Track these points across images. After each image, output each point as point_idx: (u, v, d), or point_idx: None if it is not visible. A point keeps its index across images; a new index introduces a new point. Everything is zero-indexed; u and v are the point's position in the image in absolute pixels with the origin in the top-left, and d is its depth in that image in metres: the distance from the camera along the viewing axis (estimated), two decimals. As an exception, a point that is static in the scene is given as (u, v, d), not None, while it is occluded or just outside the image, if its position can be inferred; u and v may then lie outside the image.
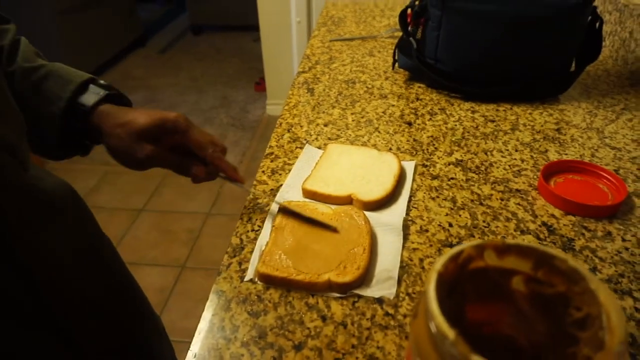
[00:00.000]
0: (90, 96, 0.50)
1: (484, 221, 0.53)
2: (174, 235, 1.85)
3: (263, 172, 0.62)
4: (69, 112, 0.49)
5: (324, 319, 0.42)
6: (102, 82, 0.53)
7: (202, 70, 3.32)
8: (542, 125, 0.72)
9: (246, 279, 0.46)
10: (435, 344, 0.23)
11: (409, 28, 0.83)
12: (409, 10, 0.82)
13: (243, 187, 0.54)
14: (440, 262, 0.25)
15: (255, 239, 0.51)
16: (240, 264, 0.48)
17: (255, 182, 0.60)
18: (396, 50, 0.87)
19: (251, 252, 0.49)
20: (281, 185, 0.59)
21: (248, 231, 0.52)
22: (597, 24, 0.76)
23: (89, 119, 0.50)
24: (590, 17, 0.75)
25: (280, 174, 0.62)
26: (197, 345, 0.40)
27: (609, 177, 0.58)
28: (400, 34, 1.04)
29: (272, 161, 0.64)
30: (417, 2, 0.81)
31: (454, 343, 0.21)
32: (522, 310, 0.29)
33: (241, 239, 0.51)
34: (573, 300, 0.25)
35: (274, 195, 0.58)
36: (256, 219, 0.54)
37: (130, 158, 0.50)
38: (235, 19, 3.79)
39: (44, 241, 0.41)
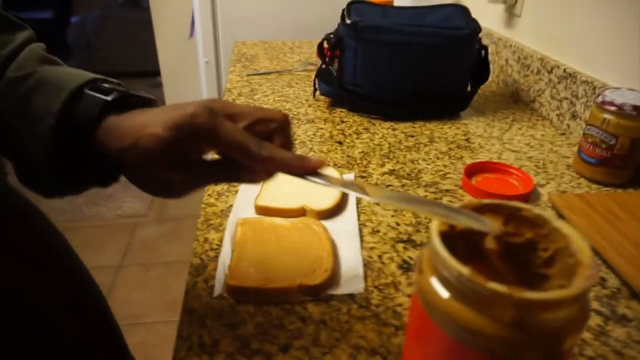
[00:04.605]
0: (88, 107, 0.36)
1: (425, 218, 0.59)
2: (80, 294, 1.68)
3: (209, 195, 0.62)
4: (66, 131, 0.36)
5: (303, 320, 0.43)
6: (106, 84, 0.39)
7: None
8: (453, 137, 0.82)
9: (215, 294, 0.45)
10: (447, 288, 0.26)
11: (326, 59, 0.90)
12: (325, 43, 0.90)
13: (326, 181, 0.37)
14: (438, 221, 0.28)
15: (216, 257, 0.51)
16: (206, 281, 0.47)
17: (203, 205, 0.60)
18: (316, 79, 0.93)
19: (215, 270, 0.49)
20: (230, 206, 0.60)
21: (207, 250, 0.52)
22: (483, 52, 0.90)
23: (93, 140, 0.36)
24: (477, 46, 0.89)
25: (227, 196, 0.62)
26: (178, 365, 0.39)
27: (516, 172, 0.68)
28: (314, 66, 1.12)
29: (216, 184, 0.64)
30: (332, 35, 0.88)
31: (470, 278, 0.24)
32: (493, 266, 0.33)
33: (201, 259, 0.51)
34: (540, 244, 0.30)
35: (226, 216, 0.58)
36: (213, 239, 0.54)
37: (160, 191, 0.38)
38: (128, 65, 3.68)
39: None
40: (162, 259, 1.81)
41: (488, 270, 0.33)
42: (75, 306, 0.45)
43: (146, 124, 0.35)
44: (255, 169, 0.37)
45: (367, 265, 0.50)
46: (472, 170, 0.68)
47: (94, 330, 0.48)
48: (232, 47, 1.38)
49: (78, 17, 3.83)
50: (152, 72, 3.05)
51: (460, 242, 0.31)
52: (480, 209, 0.31)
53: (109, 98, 0.37)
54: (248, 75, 1.10)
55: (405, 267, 0.50)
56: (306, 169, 0.37)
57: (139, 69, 3.64)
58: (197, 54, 1.65)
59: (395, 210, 0.60)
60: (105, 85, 0.39)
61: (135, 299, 1.65)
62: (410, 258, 0.51)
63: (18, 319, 0.36)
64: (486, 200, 0.31)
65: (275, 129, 0.38)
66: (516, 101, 1.00)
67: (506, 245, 0.32)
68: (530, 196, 0.64)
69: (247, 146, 0.35)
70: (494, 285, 0.23)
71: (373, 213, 0.59)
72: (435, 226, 0.28)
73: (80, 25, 3.68)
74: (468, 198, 0.63)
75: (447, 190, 0.65)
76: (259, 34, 1.51)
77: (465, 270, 0.24)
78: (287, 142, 0.39)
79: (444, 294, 0.26)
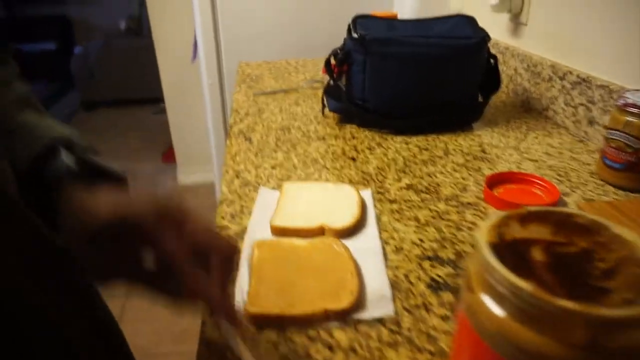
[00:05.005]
0: (59, 166, 0.38)
1: (450, 233, 0.56)
2: (87, 326, 1.64)
3: (222, 217, 0.59)
4: (34, 182, 0.38)
5: (330, 348, 0.40)
6: (80, 147, 0.40)
7: (101, 146, 3.09)
8: (468, 149, 0.79)
9: (235, 323, 0.42)
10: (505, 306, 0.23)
11: (334, 75, 0.88)
12: (332, 59, 0.88)
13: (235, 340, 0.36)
14: (485, 232, 0.25)
15: (233, 282, 0.48)
16: (224, 309, 0.44)
17: (217, 227, 0.57)
18: (324, 96, 0.91)
19: (232, 296, 0.46)
20: (245, 227, 0.57)
21: (223, 276, 0.49)
22: (493, 60, 0.88)
23: (53, 198, 0.38)
24: (486, 55, 0.87)
25: (240, 217, 0.59)
26: (199, 402, 0.35)
27: (539, 182, 0.65)
28: (320, 84, 1.11)
29: (228, 206, 0.62)
30: (339, 51, 0.87)
31: (534, 294, 0.21)
32: (542, 279, 0.30)
33: (218, 285, 0.48)
34: (597, 253, 0.27)
35: (241, 238, 0.55)
36: (228, 263, 0.51)
37: (88, 265, 0.38)
38: (131, 92, 3.71)
39: None
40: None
41: (538, 285, 0.30)
42: (75, 308, 0.44)
43: (108, 201, 0.36)
44: (180, 289, 0.36)
45: (393, 285, 0.47)
46: (493, 181, 0.66)
47: (95, 331, 0.46)
48: (235, 68, 1.37)
49: (80, 47, 3.88)
50: (155, 99, 3.07)
51: (506, 253, 0.28)
52: (526, 218, 0.28)
53: (75, 168, 0.39)
54: (254, 94, 1.08)
55: (435, 286, 0.47)
56: (227, 318, 0.37)
57: (142, 96, 3.67)
58: (200, 77, 1.64)
59: (418, 227, 0.57)
60: (75, 149, 0.40)
61: (144, 330, 1.61)
62: (439, 276, 0.48)
63: (18, 319, 0.35)
64: (533, 208, 0.28)
65: (219, 260, 0.37)
66: (528, 110, 0.98)
67: (556, 256, 0.29)
68: (557, 206, 0.61)
69: (180, 261, 0.34)
70: (564, 302, 0.21)
71: (394, 230, 0.56)
72: (483, 237, 0.25)
73: (83, 55, 3.72)
74: (492, 210, 0.61)
75: (469, 204, 0.62)
76: (261, 54, 1.51)
77: (526, 285, 0.22)
78: (224, 276, 0.37)
79: (500, 313, 0.24)
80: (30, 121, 0.40)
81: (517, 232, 0.28)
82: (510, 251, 0.28)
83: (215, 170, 1.82)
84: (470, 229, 0.57)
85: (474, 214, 0.60)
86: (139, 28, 3.85)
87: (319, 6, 1.54)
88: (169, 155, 2.74)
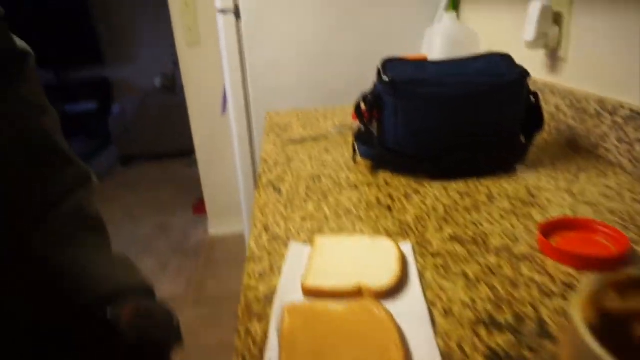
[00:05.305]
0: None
1: (505, 291, 0.49)
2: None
3: (249, 275, 0.55)
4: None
5: None
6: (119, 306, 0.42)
7: (135, 199, 3.20)
8: (515, 193, 0.73)
9: (263, 407, 0.37)
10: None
11: (365, 120, 0.85)
12: (362, 104, 0.85)
13: None
14: (579, 308, 0.20)
15: (261, 356, 0.42)
16: (250, 389, 0.39)
17: (243, 289, 0.52)
18: (355, 142, 0.88)
19: (260, 372, 0.40)
20: (275, 288, 0.52)
21: (250, 347, 0.44)
22: (534, 98, 0.83)
23: None
24: (526, 93, 0.82)
25: (270, 277, 0.54)
26: None
27: (602, 228, 0.58)
28: (350, 129, 1.08)
29: (256, 264, 0.57)
30: (368, 95, 0.84)
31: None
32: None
33: (244, 359, 0.42)
34: None
35: (270, 300, 0.50)
36: (256, 331, 0.45)
37: None
38: (166, 146, 3.82)
39: None
40: (202, 342, 1.72)
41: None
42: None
43: None
44: None
45: (445, 356, 0.40)
46: (548, 229, 0.59)
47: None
48: (264, 117, 1.37)
49: (118, 104, 4.07)
50: (188, 152, 3.14)
51: (606, 332, 0.22)
52: (625, 285, 0.22)
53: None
54: (284, 142, 1.06)
55: (494, 358, 0.40)
56: None
57: (175, 150, 3.77)
58: (230, 129, 1.66)
59: (467, 284, 0.50)
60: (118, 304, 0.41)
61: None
62: (499, 345, 0.41)
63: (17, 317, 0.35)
64: (632, 272, 0.22)
65: None
66: (575, 149, 0.91)
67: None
68: (628, 257, 0.53)
69: None
70: None
71: (441, 288, 0.50)
72: (578, 315, 0.19)
73: (121, 113, 3.89)
74: (550, 263, 0.54)
75: (523, 256, 0.55)
76: (289, 103, 1.51)
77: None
78: None
79: None
80: (83, 259, 0.42)
81: (615, 303, 0.22)
82: (610, 328, 0.22)
83: (245, 222, 1.80)
84: (527, 285, 0.50)
85: (531, 268, 0.53)
86: (173, 86, 4.02)
87: (344, 55, 1.54)
88: (199, 207, 2.75)
